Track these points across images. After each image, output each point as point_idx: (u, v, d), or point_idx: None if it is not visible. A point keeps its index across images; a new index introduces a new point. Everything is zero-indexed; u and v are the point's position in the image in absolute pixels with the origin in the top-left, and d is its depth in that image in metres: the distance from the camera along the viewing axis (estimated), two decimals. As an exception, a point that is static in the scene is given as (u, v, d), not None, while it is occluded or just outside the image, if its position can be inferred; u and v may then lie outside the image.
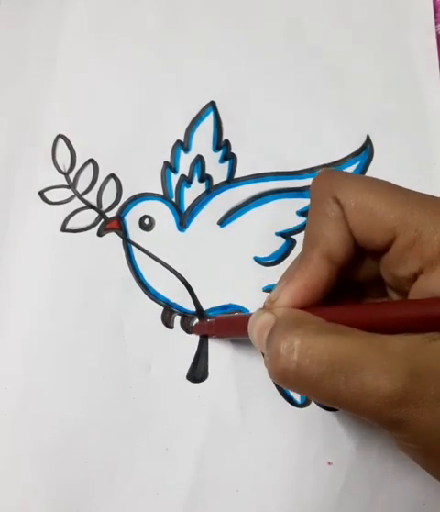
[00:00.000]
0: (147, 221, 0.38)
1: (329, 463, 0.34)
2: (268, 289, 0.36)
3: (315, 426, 0.35)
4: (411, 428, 0.22)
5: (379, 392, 0.21)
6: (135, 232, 0.38)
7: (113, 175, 0.39)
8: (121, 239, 0.38)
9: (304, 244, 0.27)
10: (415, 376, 0.21)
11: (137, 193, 0.38)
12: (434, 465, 0.24)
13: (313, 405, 0.35)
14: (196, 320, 0.36)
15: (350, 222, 0.25)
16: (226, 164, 0.38)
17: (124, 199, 0.38)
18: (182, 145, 0.38)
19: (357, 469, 0.34)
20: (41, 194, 0.39)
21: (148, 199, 0.38)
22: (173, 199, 0.38)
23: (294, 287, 0.26)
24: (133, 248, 0.38)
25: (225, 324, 0.34)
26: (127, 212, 0.38)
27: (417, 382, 0.21)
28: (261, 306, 0.27)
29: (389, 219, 0.24)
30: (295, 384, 0.23)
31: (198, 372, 0.36)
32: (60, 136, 0.40)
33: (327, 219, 0.26)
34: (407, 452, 0.25)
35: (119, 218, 0.38)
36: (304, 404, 0.35)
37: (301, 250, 0.27)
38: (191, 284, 0.37)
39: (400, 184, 0.37)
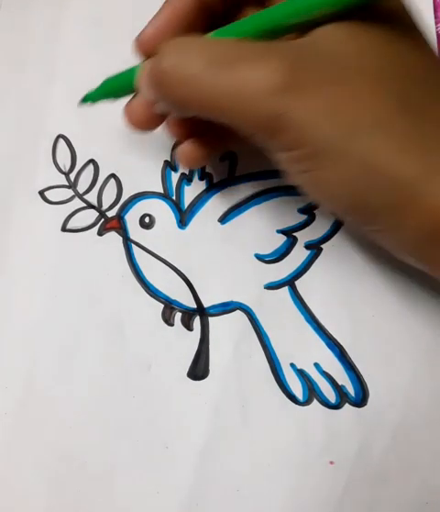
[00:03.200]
0: (147, 219, 0.38)
1: (331, 463, 0.34)
2: (269, 286, 0.36)
3: (317, 424, 0.34)
4: (292, 127, 0.22)
5: (257, 81, 0.22)
6: (135, 231, 0.38)
7: (113, 175, 0.39)
8: (121, 238, 0.38)
9: None
10: (297, 63, 0.22)
11: (137, 192, 0.38)
12: (324, 183, 0.23)
13: (315, 403, 0.35)
14: (197, 317, 0.36)
15: None
16: (227, 162, 0.38)
17: (124, 198, 0.38)
18: (183, 144, 0.38)
19: (358, 468, 0.34)
20: (42, 193, 0.39)
21: (148, 198, 0.38)
22: (173, 197, 0.38)
23: (160, 19, 0.28)
24: (133, 246, 0.38)
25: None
26: (128, 211, 0.38)
27: (299, 69, 0.22)
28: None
29: None
30: (175, 83, 0.24)
31: (199, 369, 0.35)
32: (60, 136, 0.40)
33: None
34: (298, 180, 0.25)
35: (119, 217, 0.38)
36: (306, 402, 0.35)
37: None
38: (191, 282, 0.37)
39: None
